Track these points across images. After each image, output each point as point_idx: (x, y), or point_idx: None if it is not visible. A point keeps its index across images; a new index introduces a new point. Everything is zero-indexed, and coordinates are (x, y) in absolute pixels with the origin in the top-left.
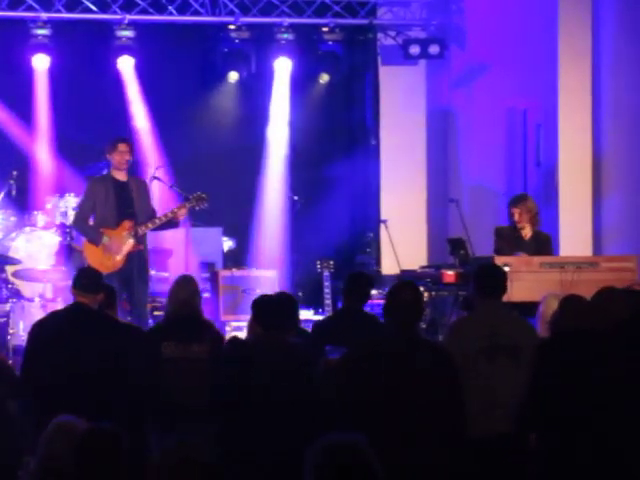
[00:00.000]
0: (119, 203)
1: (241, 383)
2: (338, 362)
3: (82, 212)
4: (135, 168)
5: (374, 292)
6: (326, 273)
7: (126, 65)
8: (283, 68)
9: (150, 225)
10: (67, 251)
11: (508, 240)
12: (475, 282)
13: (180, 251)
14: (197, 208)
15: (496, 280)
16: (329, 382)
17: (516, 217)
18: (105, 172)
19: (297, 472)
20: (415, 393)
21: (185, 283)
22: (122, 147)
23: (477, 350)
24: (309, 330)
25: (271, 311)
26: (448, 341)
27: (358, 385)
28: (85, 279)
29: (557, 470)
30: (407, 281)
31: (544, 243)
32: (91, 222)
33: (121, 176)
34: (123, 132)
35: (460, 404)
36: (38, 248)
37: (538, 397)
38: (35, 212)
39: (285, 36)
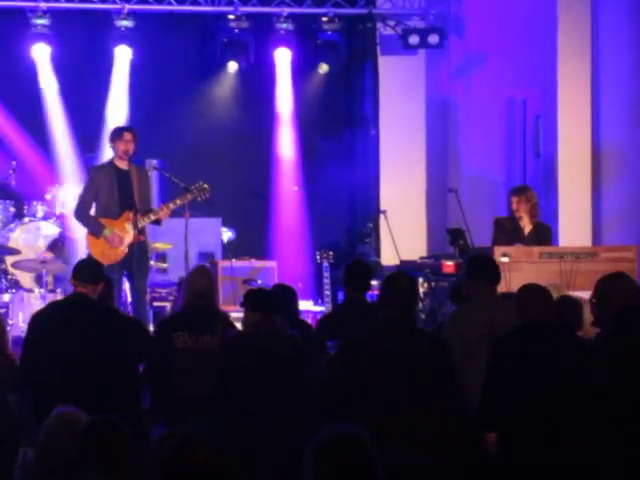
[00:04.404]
0: (121, 192)
1: (240, 372)
2: (334, 354)
3: (83, 202)
4: (133, 159)
5: (374, 282)
6: (325, 264)
7: (121, 55)
8: (283, 58)
9: (152, 216)
10: (65, 241)
11: (508, 231)
12: (469, 272)
13: (179, 242)
14: (199, 199)
15: (489, 269)
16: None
17: (514, 206)
18: (105, 161)
19: (289, 462)
20: (412, 383)
21: (201, 273)
22: (127, 136)
23: (478, 339)
24: (309, 321)
25: (258, 295)
26: (449, 330)
27: (353, 375)
28: (85, 269)
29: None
30: (402, 271)
31: (545, 234)
32: (93, 211)
33: (123, 165)
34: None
35: (458, 392)
36: (37, 239)
37: (493, 395)
38: (34, 202)
39: (284, 26)
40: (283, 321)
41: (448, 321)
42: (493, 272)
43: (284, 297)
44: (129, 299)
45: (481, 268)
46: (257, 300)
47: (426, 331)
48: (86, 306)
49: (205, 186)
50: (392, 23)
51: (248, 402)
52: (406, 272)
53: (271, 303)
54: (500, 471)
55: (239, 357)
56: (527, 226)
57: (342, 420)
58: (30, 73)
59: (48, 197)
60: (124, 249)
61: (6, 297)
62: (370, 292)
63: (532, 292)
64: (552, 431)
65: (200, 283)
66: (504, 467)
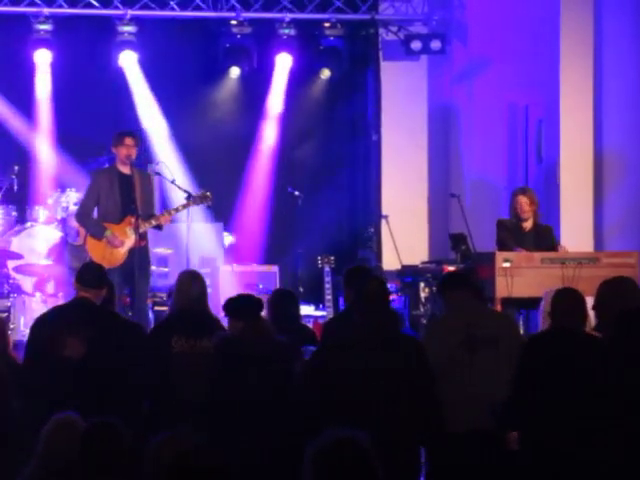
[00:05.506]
0: (123, 196)
1: (232, 379)
2: (308, 358)
3: (85, 206)
4: (136, 163)
5: None
6: (327, 268)
7: (129, 60)
8: (283, 64)
9: (153, 222)
10: (67, 246)
11: (510, 232)
12: (438, 290)
13: (181, 246)
14: (199, 205)
15: (457, 275)
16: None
17: (525, 207)
18: (107, 165)
19: (283, 464)
20: (386, 385)
21: (194, 278)
22: (129, 141)
23: (457, 341)
24: (309, 325)
25: (237, 302)
26: (430, 337)
27: (327, 378)
28: (89, 274)
29: (541, 468)
30: (374, 275)
31: (546, 234)
32: (95, 215)
33: (126, 169)
34: (124, 127)
35: (433, 396)
36: (39, 243)
37: (521, 394)
38: (36, 207)
39: (287, 31)
40: (270, 325)
41: (426, 330)
42: (458, 278)
43: (281, 300)
44: (130, 303)
45: (443, 281)
46: (237, 308)
47: (400, 333)
48: (89, 310)
49: (207, 194)
50: (394, 29)
51: (239, 404)
52: (379, 276)
53: (250, 309)
54: (521, 469)
55: (227, 359)
56: (528, 227)
57: (316, 423)
58: (32, 78)
59: (50, 202)
60: (124, 252)
61: (8, 302)
62: None
63: (564, 297)
64: (575, 432)
65: (194, 288)
66: (526, 465)
